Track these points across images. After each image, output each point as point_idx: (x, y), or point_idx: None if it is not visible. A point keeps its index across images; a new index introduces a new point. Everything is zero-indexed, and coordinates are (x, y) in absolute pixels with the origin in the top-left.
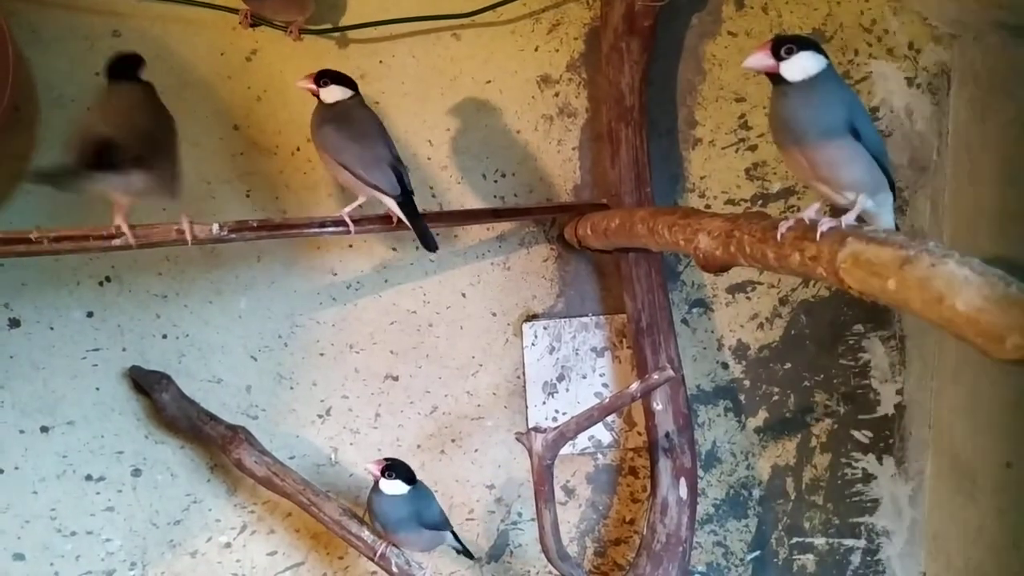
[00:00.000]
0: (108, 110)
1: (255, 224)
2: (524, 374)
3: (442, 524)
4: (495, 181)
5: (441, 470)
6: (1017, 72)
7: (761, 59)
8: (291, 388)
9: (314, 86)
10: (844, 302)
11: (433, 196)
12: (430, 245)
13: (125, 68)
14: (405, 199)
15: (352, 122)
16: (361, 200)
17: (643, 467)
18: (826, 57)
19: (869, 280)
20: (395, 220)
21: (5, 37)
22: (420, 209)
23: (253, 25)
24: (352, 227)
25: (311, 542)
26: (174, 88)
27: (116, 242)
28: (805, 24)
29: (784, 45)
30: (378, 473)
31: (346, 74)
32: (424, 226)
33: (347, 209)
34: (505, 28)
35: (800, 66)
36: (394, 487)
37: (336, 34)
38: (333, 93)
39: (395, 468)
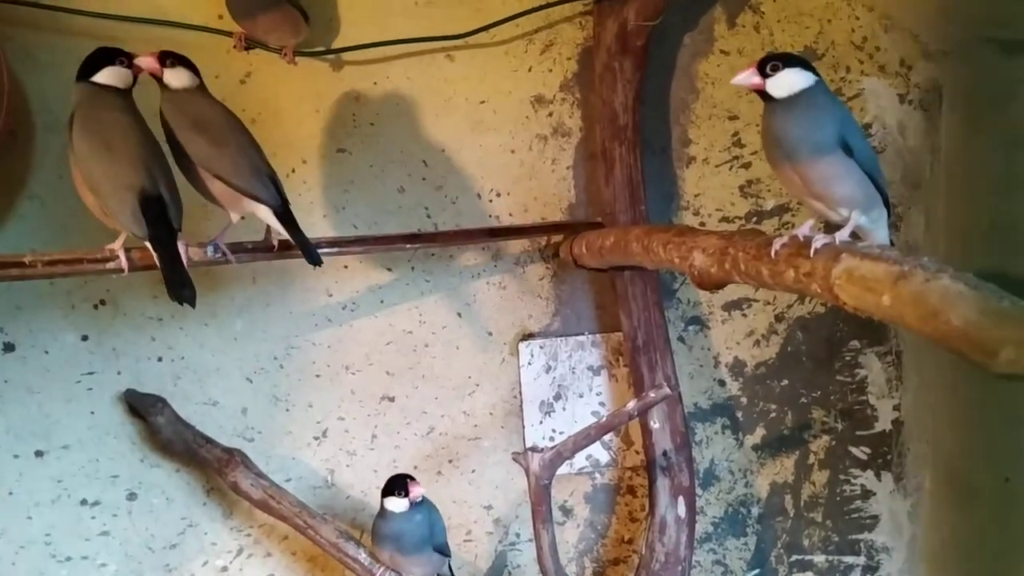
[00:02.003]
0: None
1: (250, 246)
2: (521, 393)
3: (447, 549)
4: (490, 201)
5: (438, 491)
6: (1008, 87)
7: (747, 77)
8: (287, 410)
9: (157, 65)
10: (840, 318)
11: (428, 216)
12: (314, 259)
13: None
14: (284, 210)
15: (213, 124)
16: (235, 220)
17: (641, 486)
18: (815, 74)
19: (864, 296)
20: (276, 245)
21: (0, 62)
22: (421, 230)
23: (247, 48)
24: (230, 256)
25: (308, 565)
26: None
27: (110, 265)
28: (797, 42)
29: (770, 62)
30: (419, 496)
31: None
32: (305, 238)
33: (220, 237)
34: (499, 49)
35: (786, 82)
36: (414, 494)
37: (330, 56)
38: (180, 77)
39: (414, 482)
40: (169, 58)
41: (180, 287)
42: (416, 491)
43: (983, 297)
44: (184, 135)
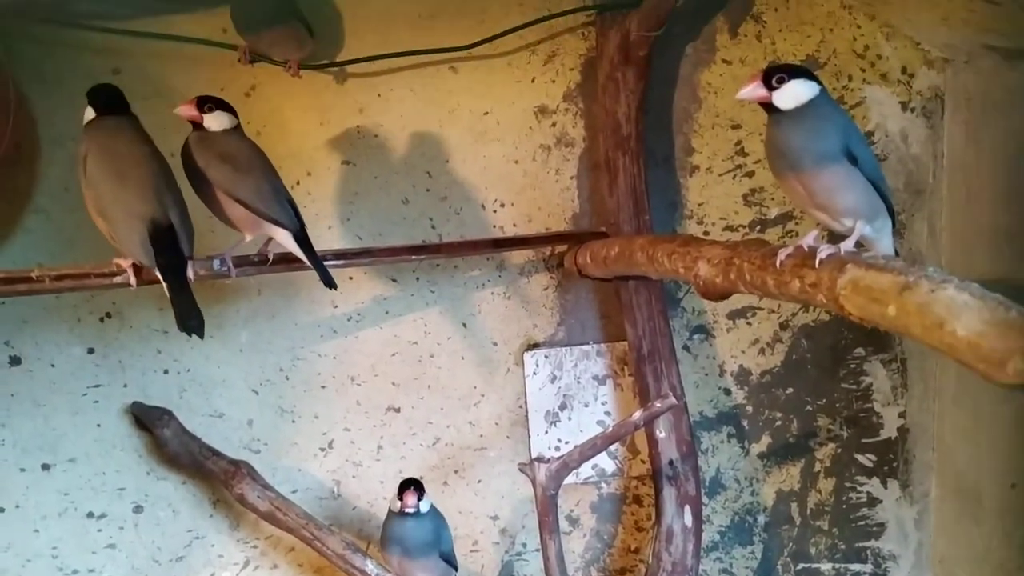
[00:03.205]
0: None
1: (255, 259)
2: (526, 403)
3: (454, 559)
4: (494, 211)
5: (444, 502)
6: (1009, 94)
7: (753, 90)
8: (293, 421)
9: (196, 112)
10: (844, 326)
11: (433, 227)
12: (329, 282)
13: (118, 101)
14: (302, 233)
15: (238, 154)
16: (248, 238)
17: (647, 495)
18: (819, 84)
19: (869, 306)
20: (270, 259)
21: (6, 76)
22: (426, 241)
23: (252, 61)
24: (233, 271)
25: None
26: (174, 124)
27: (117, 279)
28: (799, 51)
29: (775, 75)
30: (412, 505)
31: (226, 101)
32: (320, 261)
33: (229, 252)
34: (502, 60)
35: (792, 94)
36: (423, 505)
37: (334, 69)
38: (220, 120)
39: (420, 488)
40: (208, 103)
41: (188, 317)
42: (410, 499)
43: (989, 307)
44: (208, 163)
